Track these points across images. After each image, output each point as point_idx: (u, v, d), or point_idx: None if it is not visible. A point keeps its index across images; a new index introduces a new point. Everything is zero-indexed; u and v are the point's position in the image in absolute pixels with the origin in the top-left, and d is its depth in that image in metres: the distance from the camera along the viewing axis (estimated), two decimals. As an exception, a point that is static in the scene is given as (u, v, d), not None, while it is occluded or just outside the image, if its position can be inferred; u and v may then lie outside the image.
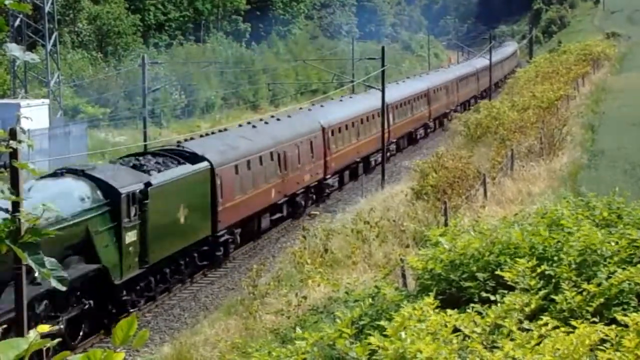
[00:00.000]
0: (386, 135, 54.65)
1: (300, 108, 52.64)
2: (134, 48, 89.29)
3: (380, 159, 53.89)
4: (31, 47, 64.21)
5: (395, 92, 61.80)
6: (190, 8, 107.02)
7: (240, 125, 43.15)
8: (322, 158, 45.77)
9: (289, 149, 41.31)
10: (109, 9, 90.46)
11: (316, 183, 45.01)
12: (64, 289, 4.39)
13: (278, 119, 44.29)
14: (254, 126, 41.45)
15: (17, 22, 64.05)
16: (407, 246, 25.46)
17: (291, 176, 41.33)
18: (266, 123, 42.85)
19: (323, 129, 46.29)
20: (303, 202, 43.44)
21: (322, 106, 51.96)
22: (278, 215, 40.43)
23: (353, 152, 51.07)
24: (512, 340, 9.50)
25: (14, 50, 4.55)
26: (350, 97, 58.53)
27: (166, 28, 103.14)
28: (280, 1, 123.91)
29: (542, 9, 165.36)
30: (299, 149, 42.56)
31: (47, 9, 63.20)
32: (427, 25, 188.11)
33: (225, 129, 41.89)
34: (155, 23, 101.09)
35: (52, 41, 63.77)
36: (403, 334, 9.68)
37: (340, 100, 56.11)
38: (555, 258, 11.89)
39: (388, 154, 56.06)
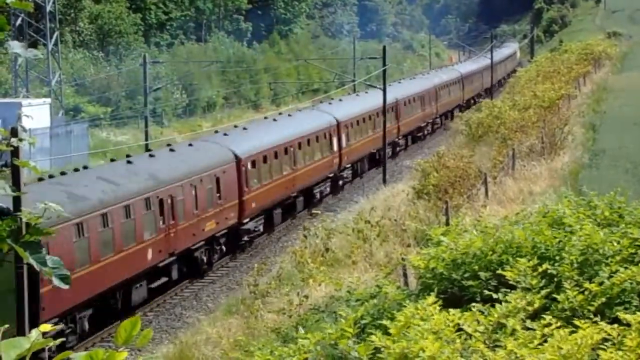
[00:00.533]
0: (336, 160, 47.99)
1: (216, 131, 42.85)
2: (136, 47, 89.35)
3: (328, 191, 47.03)
4: (32, 46, 64.19)
5: (349, 107, 52.98)
6: (191, 7, 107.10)
7: (112, 161, 33.75)
8: (237, 198, 36.18)
9: (179, 191, 31.75)
10: (110, 8, 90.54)
11: (226, 230, 35.53)
12: (66, 287, 4.39)
13: (172, 150, 34.57)
14: (129, 162, 31.80)
15: (19, 22, 64.12)
16: (409, 245, 25.45)
17: (183, 227, 31.76)
18: (152, 156, 33.05)
19: (238, 161, 36.62)
20: (205, 258, 33.97)
21: (244, 129, 41.57)
22: (163, 280, 30.87)
23: (286, 185, 41.32)
24: (515, 339, 9.50)
25: (16, 47, 4.54)
26: (289, 115, 48.03)
27: (167, 27, 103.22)
28: (281, 0, 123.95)
29: (543, 9, 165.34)
30: (197, 190, 32.97)
31: (48, 8, 63.26)
32: (429, 25, 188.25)
33: (85, 167, 31.35)
34: (157, 22, 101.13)
35: (53, 40, 63.82)
36: (409, 333, 9.68)
37: (274, 120, 45.47)
38: (557, 257, 11.89)
39: (340, 182, 49.26)
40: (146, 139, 50.52)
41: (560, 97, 45.26)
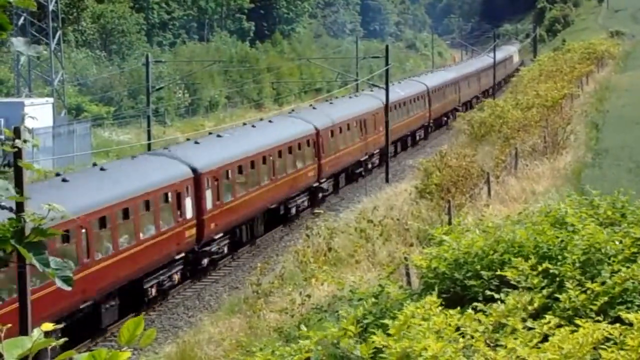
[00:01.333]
0: (189, 232, 31.82)
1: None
2: (138, 47, 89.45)
3: (176, 279, 31.27)
4: (35, 45, 64.29)
5: (223, 148, 35.86)
6: (194, 7, 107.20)
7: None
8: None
9: None
10: (113, 7, 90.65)
11: None
12: (69, 288, 4.40)
13: None
14: None
15: (21, 21, 64.13)
16: (411, 245, 25.45)
17: None
18: None
19: None
20: None
21: (64, 180, 27.01)
22: None
23: (126, 266, 27.89)
24: (515, 338, 9.50)
25: (19, 44, 4.52)
26: (101, 170, 29.44)
27: (170, 27, 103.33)
28: (284, 0, 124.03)
29: (546, 8, 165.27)
30: None
31: (51, 7, 63.25)
32: (431, 24, 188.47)
33: None
34: (159, 22, 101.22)
35: (56, 40, 63.82)
36: (409, 333, 9.69)
37: (64, 181, 27.17)
38: (560, 257, 11.90)
39: (205, 259, 33.45)
40: (149, 139, 50.53)
41: (563, 97, 45.23)
